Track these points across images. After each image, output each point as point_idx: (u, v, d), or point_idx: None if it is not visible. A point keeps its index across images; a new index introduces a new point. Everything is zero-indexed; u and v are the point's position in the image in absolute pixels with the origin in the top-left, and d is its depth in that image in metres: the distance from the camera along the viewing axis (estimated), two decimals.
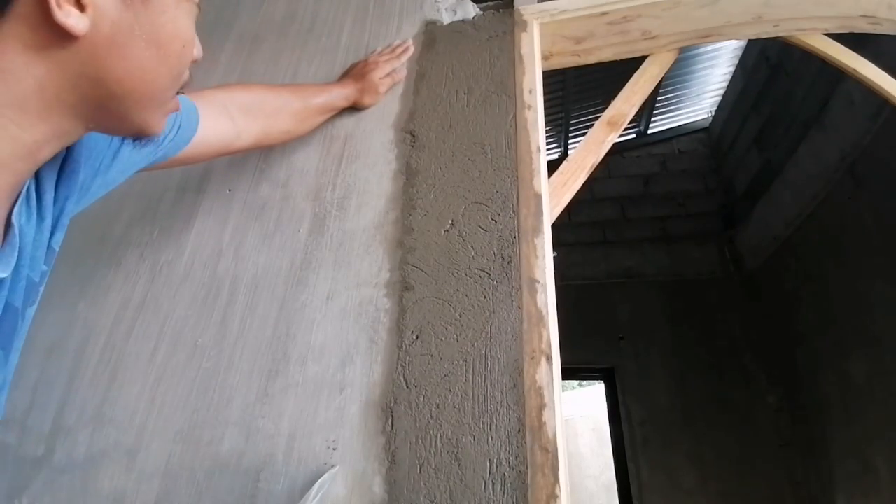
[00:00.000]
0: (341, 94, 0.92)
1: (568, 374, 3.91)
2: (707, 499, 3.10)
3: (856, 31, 0.99)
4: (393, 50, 0.99)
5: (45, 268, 0.47)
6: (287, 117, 0.85)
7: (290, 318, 0.78)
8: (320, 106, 0.89)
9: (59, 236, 0.49)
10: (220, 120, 0.74)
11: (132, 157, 0.60)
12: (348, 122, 0.95)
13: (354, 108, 0.95)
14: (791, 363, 3.16)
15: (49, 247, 0.48)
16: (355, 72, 0.96)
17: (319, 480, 0.63)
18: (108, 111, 0.41)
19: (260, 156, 0.95)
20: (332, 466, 0.65)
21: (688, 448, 3.24)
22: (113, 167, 0.57)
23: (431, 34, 1.01)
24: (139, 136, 0.46)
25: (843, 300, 2.68)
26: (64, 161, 0.48)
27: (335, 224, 0.85)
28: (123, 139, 0.57)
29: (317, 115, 0.90)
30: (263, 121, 0.81)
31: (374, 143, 0.91)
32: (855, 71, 1.00)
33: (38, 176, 0.45)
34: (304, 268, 0.82)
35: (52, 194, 0.47)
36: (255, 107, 0.80)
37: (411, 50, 0.99)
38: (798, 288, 3.10)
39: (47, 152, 0.41)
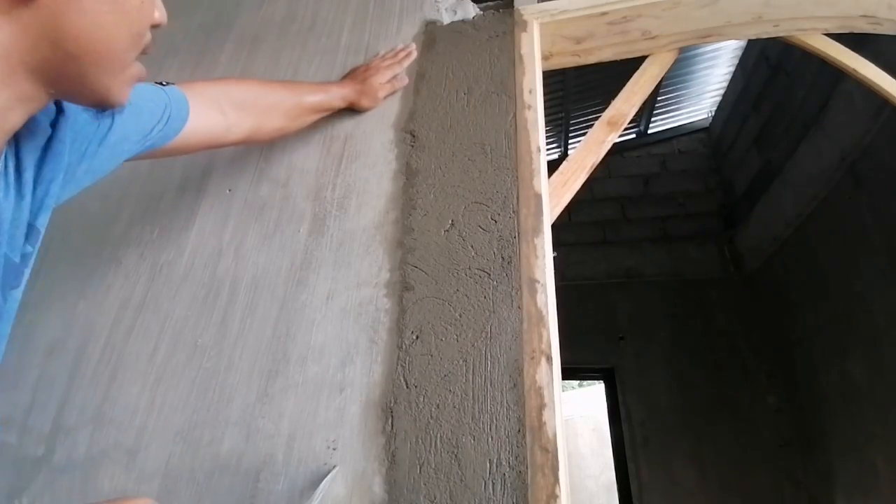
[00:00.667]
0: (339, 95, 0.92)
1: (568, 374, 3.91)
2: (707, 499, 3.10)
3: (856, 31, 0.99)
4: (396, 54, 0.99)
5: (28, 248, 0.47)
6: (280, 114, 0.85)
7: (290, 318, 0.78)
8: (315, 104, 0.89)
9: (44, 218, 0.49)
10: (211, 113, 0.74)
11: (120, 145, 0.60)
12: (348, 122, 0.95)
13: (352, 109, 0.95)
14: (791, 363, 3.16)
15: (33, 227, 0.47)
16: (356, 74, 0.96)
17: (323, 482, 0.63)
18: (67, 74, 0.41)
19: (260, 155, 0.95)
20: (334, 467, 0.65)
21: (688, 448, 3.24)
22: (100, 153, 0.57)
23: (431, 34, 1.01)
24: (102, 104, 0.45)
25: (843, 300, 2.68)
26: (49, 141, 0.48)
27: (335, 224, 0.85)
28: (111, 126, 0.57)
29: (311, 114, 0.90)
30: (256, 117, 0.81)
31: (374, 143, 0.91)
32: (855, 71, 1.00)
33: (18, 153, 0.45)
34: (304, 268, 0.82)
35: (33, 172, 0.47)
36: (249, 102, 0.80)
37: (414, 55, 0.99)
38: (798, 288, 3.10)
39: (13, 120, 0.41)
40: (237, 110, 0.77)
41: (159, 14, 0.46)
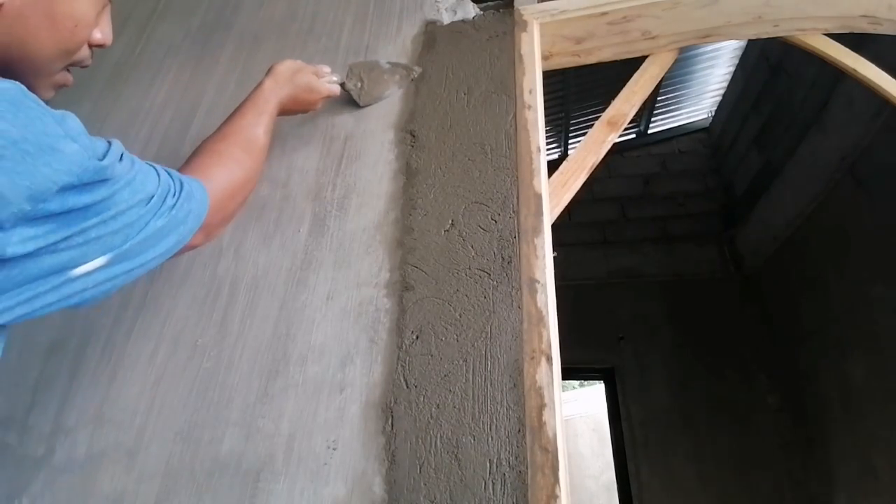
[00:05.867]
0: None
1: (568, 374, 3.91)
2: (707, 499, 3.10)
3: (856, 31, 0.99)
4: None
5: None
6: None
7: (290, 318, 0.78)
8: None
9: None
10: None
11: None
12: (348, 121, 0.95)
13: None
14: (791, 363, 3.16)
15: None
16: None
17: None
18: (9, 66, 0.49)
19: None
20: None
21: (688, 448, 3.24)
22: None
23: (431, 34, 1.01)
24: None
25: (843, 300, 2.68)
26: None
27: (335, 224, 0.85)
28: None
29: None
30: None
31: (374, 143, 0.91)
32: (855, 71, 1.00)
33: None
34: (304, 268, 0.82)
35: None
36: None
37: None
38: (798, 288, 3.10)
39: None
40: None
41: (102, 36, 0.55)
